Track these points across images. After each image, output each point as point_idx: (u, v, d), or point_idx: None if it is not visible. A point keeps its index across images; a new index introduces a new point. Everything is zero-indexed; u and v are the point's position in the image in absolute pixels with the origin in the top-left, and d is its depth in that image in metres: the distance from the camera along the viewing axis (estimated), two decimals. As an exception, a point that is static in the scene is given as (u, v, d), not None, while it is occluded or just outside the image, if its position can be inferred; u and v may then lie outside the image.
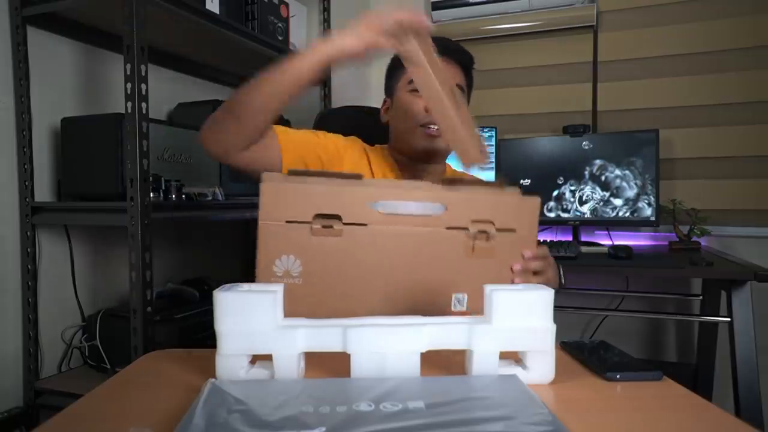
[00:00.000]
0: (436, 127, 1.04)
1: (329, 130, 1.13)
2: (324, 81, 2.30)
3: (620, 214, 1.93)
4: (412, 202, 0.77)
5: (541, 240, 1.94)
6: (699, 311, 1.99)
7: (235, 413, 0.53)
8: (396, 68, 1.14)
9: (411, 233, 0.78)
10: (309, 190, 0.75)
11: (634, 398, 0.63)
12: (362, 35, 0.83)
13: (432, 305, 0.81)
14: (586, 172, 1.96)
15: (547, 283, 0.80)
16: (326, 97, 2.32)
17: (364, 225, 0.77)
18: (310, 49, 0.87)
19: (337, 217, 0.76)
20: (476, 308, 0.79)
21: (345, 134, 1.16)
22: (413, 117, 1.06)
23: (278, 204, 0.75)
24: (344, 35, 0.84)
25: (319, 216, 0.75)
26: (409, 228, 0.78)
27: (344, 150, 1.10)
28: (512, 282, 0.82)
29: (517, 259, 0.83)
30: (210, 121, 0.95)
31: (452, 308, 0.82)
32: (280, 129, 1.02)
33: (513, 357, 0.69)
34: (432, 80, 0.87)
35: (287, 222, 0.75)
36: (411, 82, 1.06)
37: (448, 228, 0.79)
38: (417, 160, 1.12)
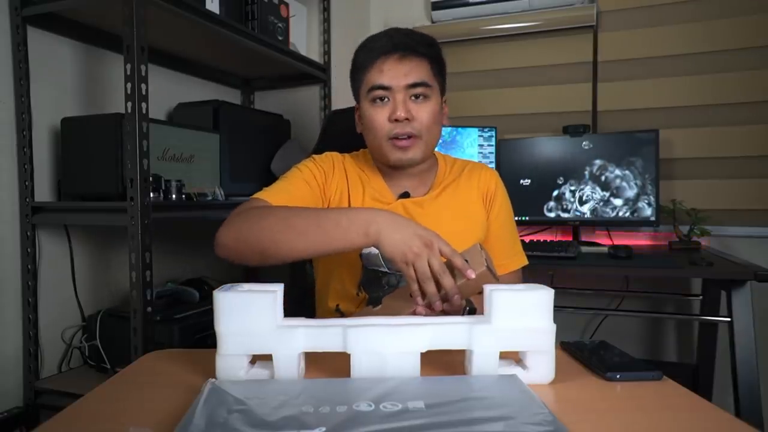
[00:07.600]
0: (405, 136, 0.99)
1: (337, 130, 1.09)
2: (324, 81, 2.30)
3: (620, 214, 1.93)
4: None
5: (541, 240, 1.94)
6: (699, 311, 1.99)
7: (235, 413, 0.53)
8: (357, 70, 1.05)
9: None
10: None
11: (634, 398, 0.63)
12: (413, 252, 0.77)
13: None
14: (586, 172, 1.96)
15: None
16: (326, 96, 2.32)
17: None
18: (362, 224, 0.81)
19: None
20: None
21: (353, 134, 1.11)
22: (380, 130, 1.00)
23: None
24: (397, 241, 0.78)
25: None
26: None
27: (322, 180, 1.06)
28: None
29: None
30: (228, 238, 0.93)
31: None
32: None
33: (513, 357, 0.69)
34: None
35: None
36: (371, 89, 1.00)
37: None
38: (395, 169, 1.07)
